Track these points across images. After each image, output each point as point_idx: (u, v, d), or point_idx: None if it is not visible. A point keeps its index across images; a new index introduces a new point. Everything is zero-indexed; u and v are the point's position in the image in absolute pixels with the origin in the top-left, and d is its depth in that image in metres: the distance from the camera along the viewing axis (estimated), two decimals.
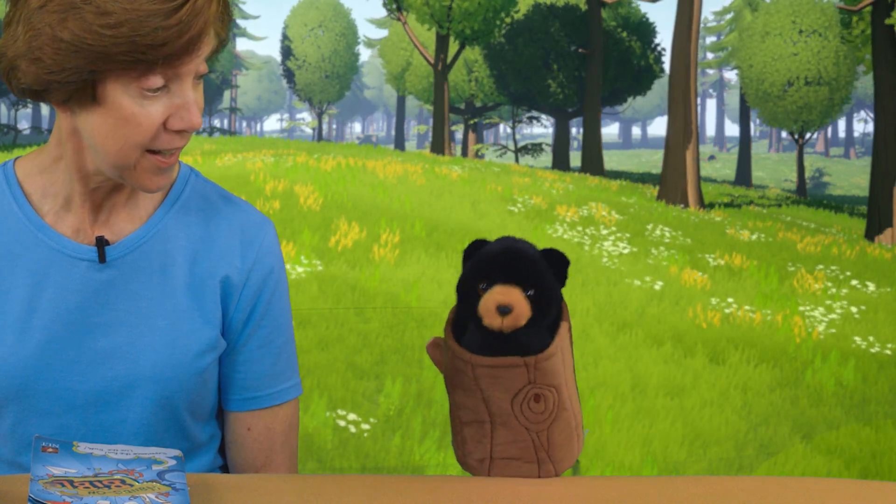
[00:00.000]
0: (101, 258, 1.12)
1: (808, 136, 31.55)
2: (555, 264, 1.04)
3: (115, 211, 1.14)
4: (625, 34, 29.96)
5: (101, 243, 1.12)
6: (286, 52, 43.13)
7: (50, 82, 1.01)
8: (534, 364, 1.00)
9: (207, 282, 1.16)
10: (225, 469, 1.28)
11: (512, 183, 15.48)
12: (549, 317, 1.03)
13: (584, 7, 28.93)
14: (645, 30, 30.55)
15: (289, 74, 43.20)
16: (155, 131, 1.03)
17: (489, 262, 1.02)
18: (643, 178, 28.69)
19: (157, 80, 1.01)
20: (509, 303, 0.98)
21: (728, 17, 41.88)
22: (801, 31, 30.26)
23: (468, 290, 1.03)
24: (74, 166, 1.10)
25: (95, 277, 1.12)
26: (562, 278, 1.05)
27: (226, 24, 1.07)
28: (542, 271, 1.02)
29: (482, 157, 32.11)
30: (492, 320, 0.99)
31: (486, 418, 1.04)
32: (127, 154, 1.04)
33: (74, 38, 0.97)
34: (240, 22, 50.45)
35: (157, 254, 1.14)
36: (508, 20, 29.81)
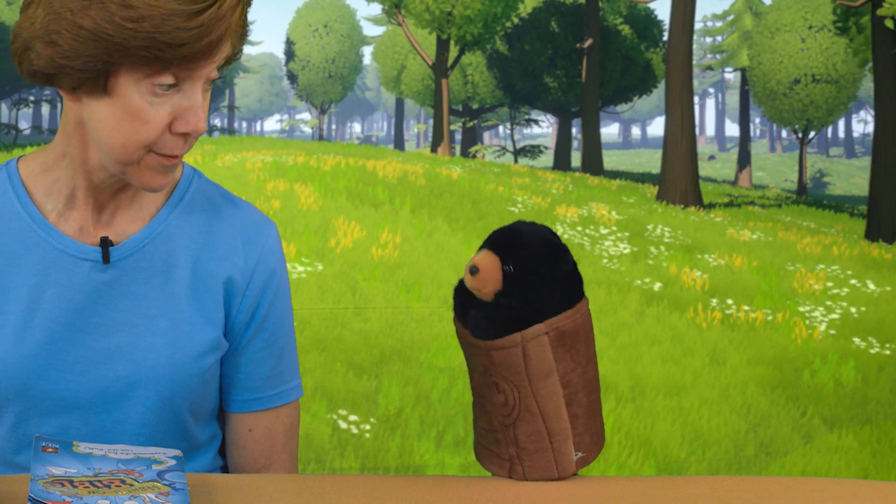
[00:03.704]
0: (105, 259, 1.11)
1: (811, 134, 31.49)
2: (550, 254, 1.02)
3: (118, 211, 1.14)
4: (631, 32, 29.86)
5: (106, 244, 1.11)
6: (289, 54, 43.05)
7: (63, 66, 1.00)
8: (484, 348, 1.02)
9: (210, 283, 1.16)
10: (225, 470, 1.28)
11: (512, 183, 15.48)
12: (528, 303, 1.01)
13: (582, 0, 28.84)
14: (652, 28, 30.43)
15: (291, 77, 43.12)
16: (160, 131, 1.03)
17: (490, 236, 1.04)
18: (643, 178, 28.69)
19: (168, 78, 1.00)
20: (478, 265, 1.01)
21: (729, 18, 41.85)
22: (811, 27, 30.18)
23: None
24: (79, 160, 1.10)
25: (98, 278, 1.12)
26: (552, 269, 1.02)
27: (243, 36, 1.07)
28: (529, 253, 1.01)
29: (481, 157, 32.08)
30: (466, 278, 1.03)
31: (476, 396, 1.08)
32: (130, 151, 1.04)
33: (94, 27, 0.97)
34: None
35: (160, 254, 1.14)
36: (509, 24, 29.78)
